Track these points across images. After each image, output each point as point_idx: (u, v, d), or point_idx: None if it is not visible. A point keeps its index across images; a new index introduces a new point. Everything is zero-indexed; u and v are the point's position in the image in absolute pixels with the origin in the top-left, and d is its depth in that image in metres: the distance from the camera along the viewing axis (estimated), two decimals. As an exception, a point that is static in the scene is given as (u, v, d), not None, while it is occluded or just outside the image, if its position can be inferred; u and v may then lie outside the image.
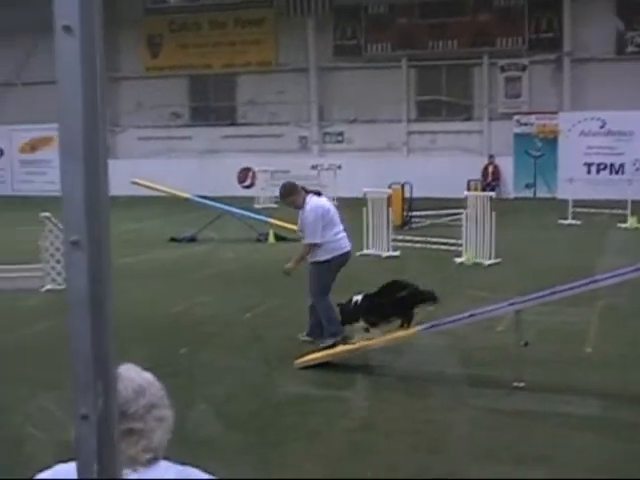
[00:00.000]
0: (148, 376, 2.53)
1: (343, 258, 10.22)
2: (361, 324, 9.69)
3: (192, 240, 20.60)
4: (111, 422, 1.59)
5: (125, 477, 2.18)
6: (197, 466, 2.54)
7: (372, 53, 35.92)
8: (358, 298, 9.78)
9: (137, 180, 21.86)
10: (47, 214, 14.11)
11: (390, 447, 6.96)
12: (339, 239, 10.21)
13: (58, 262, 14.14)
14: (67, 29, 1.43)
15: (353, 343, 9.43)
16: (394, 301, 9.49)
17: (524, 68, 34.27)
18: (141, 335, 10.61)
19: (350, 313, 9.79)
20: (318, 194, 10.50)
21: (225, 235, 20.51)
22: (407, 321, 9.42)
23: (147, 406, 2.42)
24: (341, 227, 10.31)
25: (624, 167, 30.93)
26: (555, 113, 33.22)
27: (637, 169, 30.61)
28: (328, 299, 10.08)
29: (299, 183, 10.78)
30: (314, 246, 10.04)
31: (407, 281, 10.01)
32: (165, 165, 35.68)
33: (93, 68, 1.46)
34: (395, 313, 9.52)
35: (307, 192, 10.32)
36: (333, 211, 10.33)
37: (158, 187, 22.34)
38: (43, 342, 10.42)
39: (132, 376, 2.47)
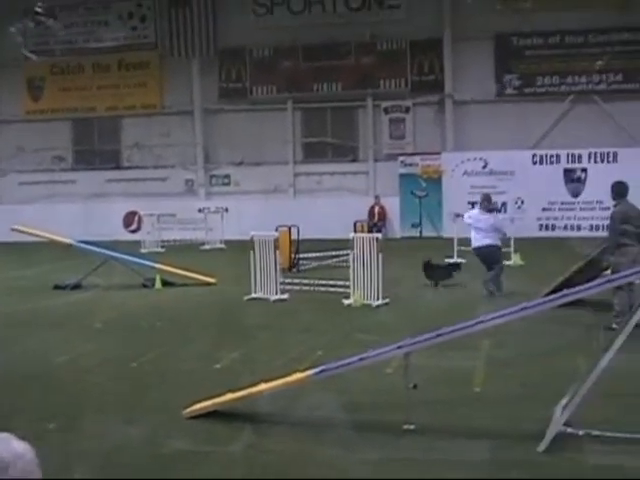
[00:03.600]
0: (21, 447, 2.35)
1: (475, 251, 17.84)
2: None
3: (77, 287, 20.00)
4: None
5: None
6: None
7: (257, 95, 36.06)
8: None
9: (17, 227, 21.28)
10: None
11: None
12: (473, 238, 17.79)
13: None
14: None
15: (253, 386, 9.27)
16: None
17: (407, 110, 34.88)
18: (20, 388, 10.22)
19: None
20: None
21: (111, 281, 20.09)
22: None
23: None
24: (481, 229, 17.55)
25: (506, 205, 31.67)
26: (438, 154, 33.88)
27: (519, 207, 31.41)
28: (487, 275, 17.49)
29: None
30: None
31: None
32: (48, 210, 34.87)
33: None
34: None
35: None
36: (480, 219, 17.66)
37: (39, 233, 21.76)
38: None
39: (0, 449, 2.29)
